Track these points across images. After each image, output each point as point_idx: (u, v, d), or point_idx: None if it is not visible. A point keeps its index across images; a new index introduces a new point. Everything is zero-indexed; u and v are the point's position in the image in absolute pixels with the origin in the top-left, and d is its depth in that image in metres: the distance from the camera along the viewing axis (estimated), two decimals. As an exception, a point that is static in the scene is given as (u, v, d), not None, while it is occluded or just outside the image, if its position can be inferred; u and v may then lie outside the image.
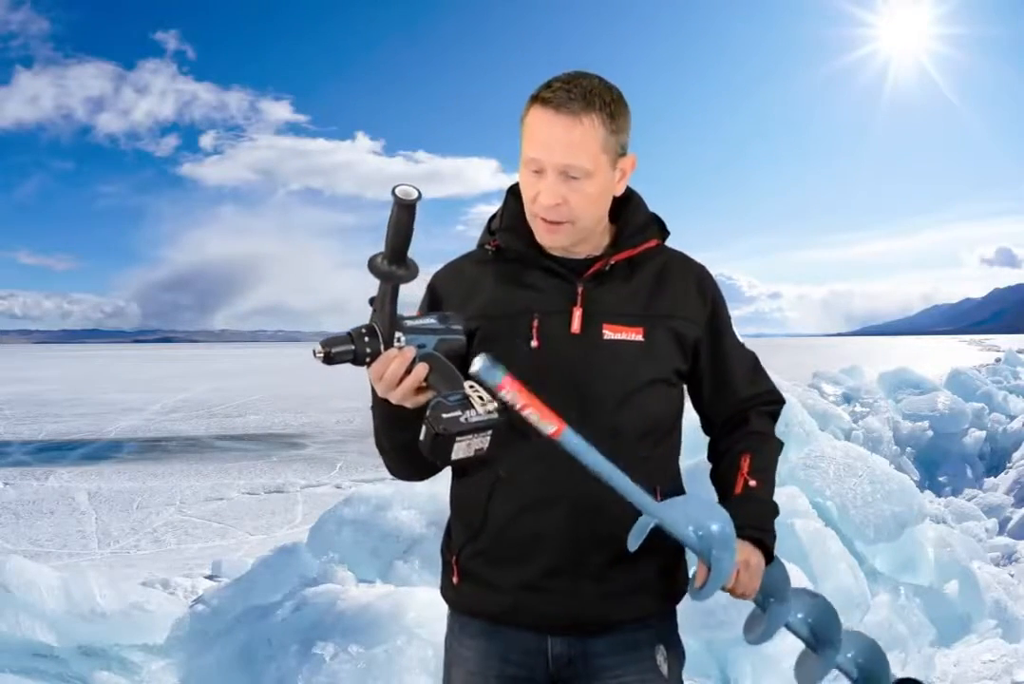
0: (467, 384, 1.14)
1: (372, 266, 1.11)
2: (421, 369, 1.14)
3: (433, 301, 1.38)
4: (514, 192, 1.41)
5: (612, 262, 1.35)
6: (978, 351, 53.57)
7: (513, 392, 1.15)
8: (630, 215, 1.40)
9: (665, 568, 1.37)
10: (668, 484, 1.35)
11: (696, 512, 1.26)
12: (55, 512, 8.71)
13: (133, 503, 9.17)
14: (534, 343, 1.30)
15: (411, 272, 1.12)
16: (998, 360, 15.25)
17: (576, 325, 1.31)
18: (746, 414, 1.44)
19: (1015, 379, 11.71)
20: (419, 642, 2.42)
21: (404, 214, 1.07)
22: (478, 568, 1.34)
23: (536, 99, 1.28)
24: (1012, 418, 9.42)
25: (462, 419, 1.09)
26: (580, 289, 1.33)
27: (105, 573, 3.04)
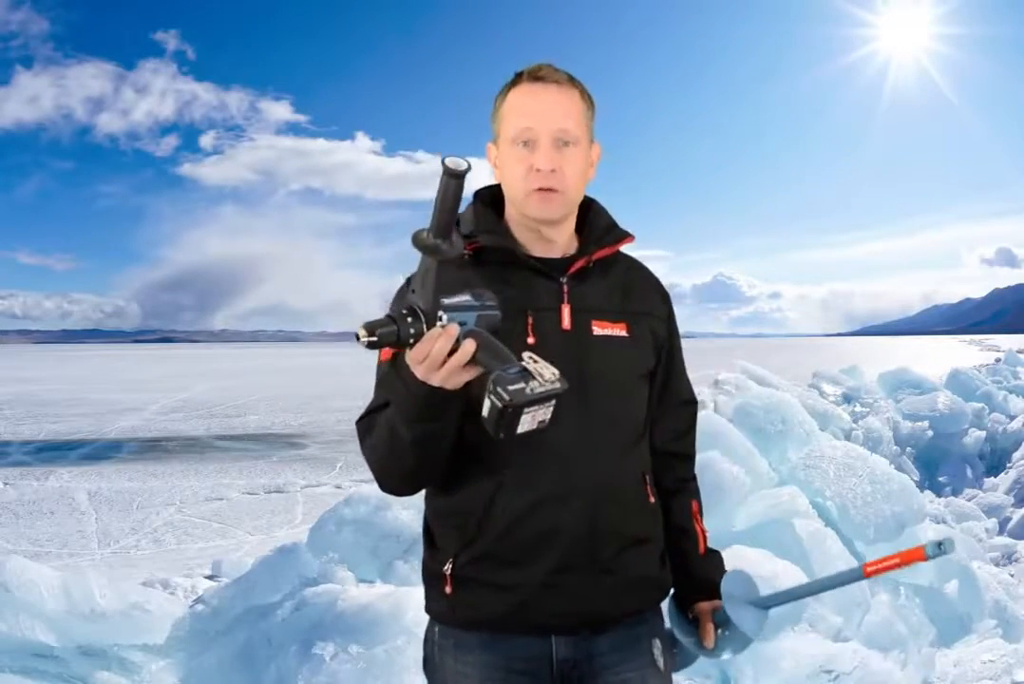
0: (525, 354, 1.11)
1: (417, 240, 1.09)
2: (469, 345, 1.11)
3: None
4: (481, 198, 1.43)
5: (595, 259, 1.39)
6: (978, 351, 53.55)
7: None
8: (594, 218, 1.44)
9: (660, 560, 1.42)
10: (649, 471, 1.42)
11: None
12: (55, 512, 8.71)
13: (133, 503, 9.17)
14: (530, 340, 1.31)
15: (456, 248, 1.10)
16: (998, 360, 15.24)
17: (567, 322, 1.34)
18: (688, 437, 1.54)
19: (1015, 379, 11.70)
20: (419, 642, 2.41)
21: (453, 185, 1.05)
22: (479, 573, 1.31)
23: (520, 78, 1.34)
24: (1012, 418, 9.41)
25: (527, 390, 1.07)
26: (565, 287, 1.36)
27: (105, 573, 3.04)
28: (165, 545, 7.35)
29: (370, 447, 1.31)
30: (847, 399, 9.18)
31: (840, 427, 6.52)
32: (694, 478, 1.55)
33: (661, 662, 1.38)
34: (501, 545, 1.30)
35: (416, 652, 2.24)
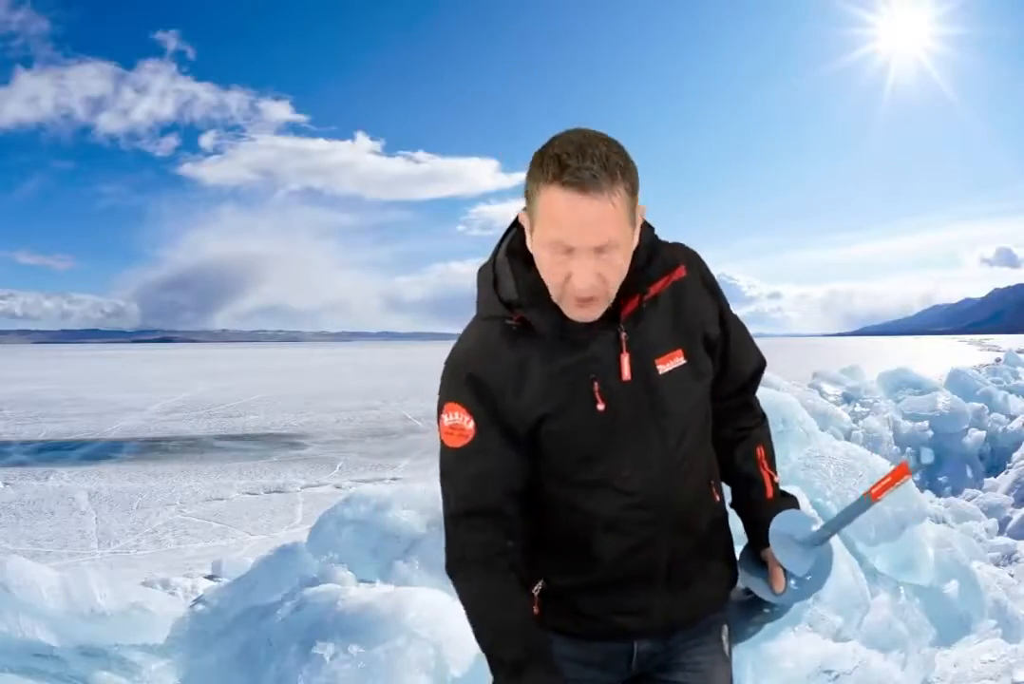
0: None
1: None
2: None
3: (485, 395, 1.31)
4: (516, 254, 1.33)
5: (647, 299, 1.32)
6: (978, 351, 53.54)
7: None
8: (639, 247, 1.32)
9: (729, 557, 1.47)
10: (716, 473, 1.45)
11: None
12: (55, 512, 8.71)
13: (133, 503, 9.18)
14: (600, 407, 1.29)
15: None
16: (998, 360, 15.24)
17: (627, 373, 1.30)
18: (748, 391, 1.50)
19: (1015, 379, 11.69)
20: (419, 642, 2.42)
21: None
22: (568, 601, 1.38)
23: (555, 180, 1.18)
24: (1012, 418, 9.41)
25: None
26: (623, 334, 1.30)
27: (105, 573, 3.04)
28: (165, 545, 7.35)
29: (462, 599, 1.35)
30: (847, 399, 9.18)
31: (840, 427, 6.51)
32: (760, 423, 1.51)
33: (727, 648, 1.46)
34: (592, 581, 1.36)
35: (416, 652, 2.23)
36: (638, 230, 1.28)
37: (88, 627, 2.67)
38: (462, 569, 1.33)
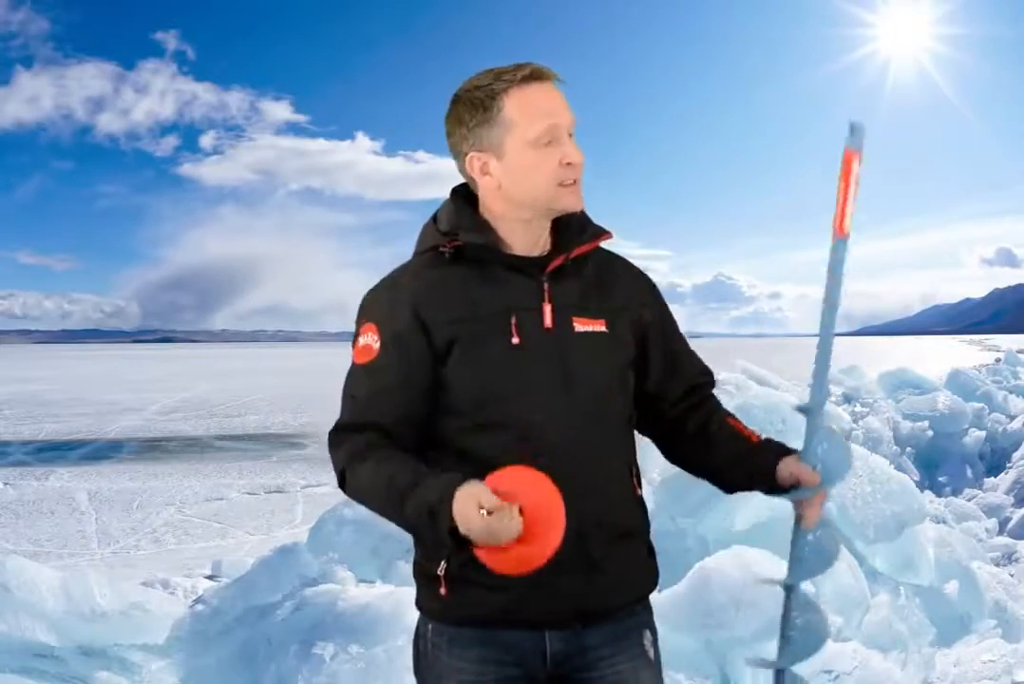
0: None
1: None
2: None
3: (399, 312, 1.32)
4: (459, 193, 1.41)
5: (572, 256, 1.37)
6: (978, 351, 53.56)
7: None
8: (568, 215, 1.40)
9: (647, 552, 1.43)
10: (635, 462, 1.43)
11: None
12: (55, 512, 8.71)
13: (133, 503, 9.17)
14: (515, 340, 1.31)
15: None
16: (998, 360, 15.27)
17: (548, 320, 1.33)
18: (704, 391, 1.50)
19: (1015, 379, 11.70)
20: (419, 642, 2.42)
21: None
22: (473, 573, 1.29)
23: (518, 80, 1.31)
24: (1012, 418, 9.41)
25: None
26: (545, 285, 1.35)
27: (105, 573, 3.04)
28: (165, 545, 7.35)
29: (353, 488, 1.32)
30: (847, 399, 9.19)
31: (840, 427, 6.51)
32: (724, 409, 1.49)
33: (651, 652, 1.41)
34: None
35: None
36: None
37: (88, 627, 2.67)
38: (351, 467, 1.30)
